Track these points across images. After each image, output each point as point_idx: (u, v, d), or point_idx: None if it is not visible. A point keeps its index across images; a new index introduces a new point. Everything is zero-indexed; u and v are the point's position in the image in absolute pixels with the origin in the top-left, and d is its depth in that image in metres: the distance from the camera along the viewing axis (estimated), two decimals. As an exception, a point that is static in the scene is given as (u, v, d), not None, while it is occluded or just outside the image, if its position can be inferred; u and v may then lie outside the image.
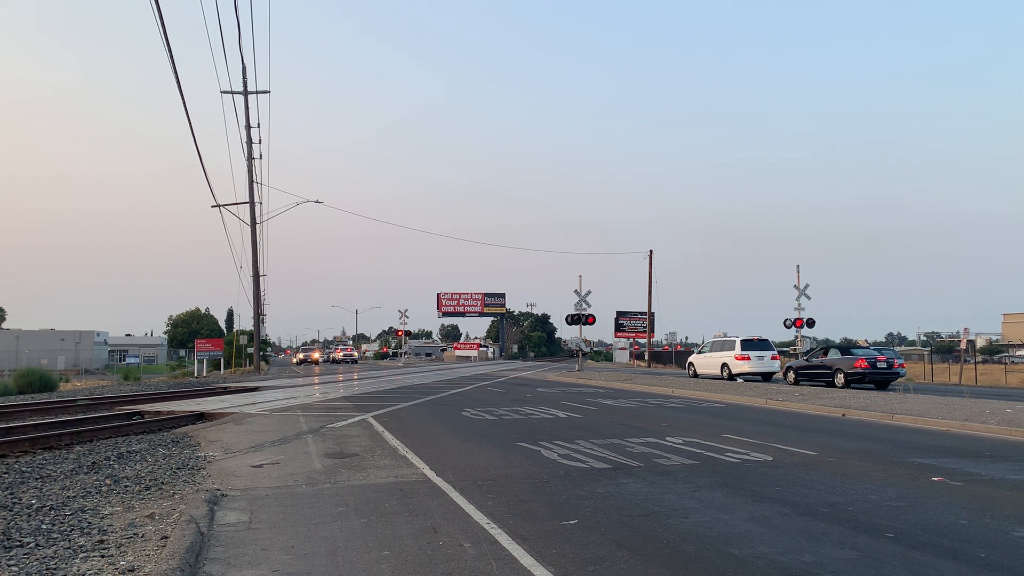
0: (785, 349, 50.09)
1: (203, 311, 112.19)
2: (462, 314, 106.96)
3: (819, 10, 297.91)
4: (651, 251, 63.52)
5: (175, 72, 17.01)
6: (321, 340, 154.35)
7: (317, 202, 46.93)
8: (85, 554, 5.49)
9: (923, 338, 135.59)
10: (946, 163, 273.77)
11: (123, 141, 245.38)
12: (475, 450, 10.76)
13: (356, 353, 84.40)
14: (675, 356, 65.33)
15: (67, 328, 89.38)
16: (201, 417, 16.35)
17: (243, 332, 56.86)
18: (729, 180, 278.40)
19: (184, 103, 20.20)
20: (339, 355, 77.39)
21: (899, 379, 25.83)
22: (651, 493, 7.59)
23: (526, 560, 5.30)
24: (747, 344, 29.44)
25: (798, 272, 39.41)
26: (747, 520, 6.45)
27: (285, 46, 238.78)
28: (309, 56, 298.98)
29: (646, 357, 68.61)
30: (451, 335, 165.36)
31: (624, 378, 32.56)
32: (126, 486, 8.22)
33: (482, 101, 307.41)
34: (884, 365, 24.41)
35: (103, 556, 5.44)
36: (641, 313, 72.64)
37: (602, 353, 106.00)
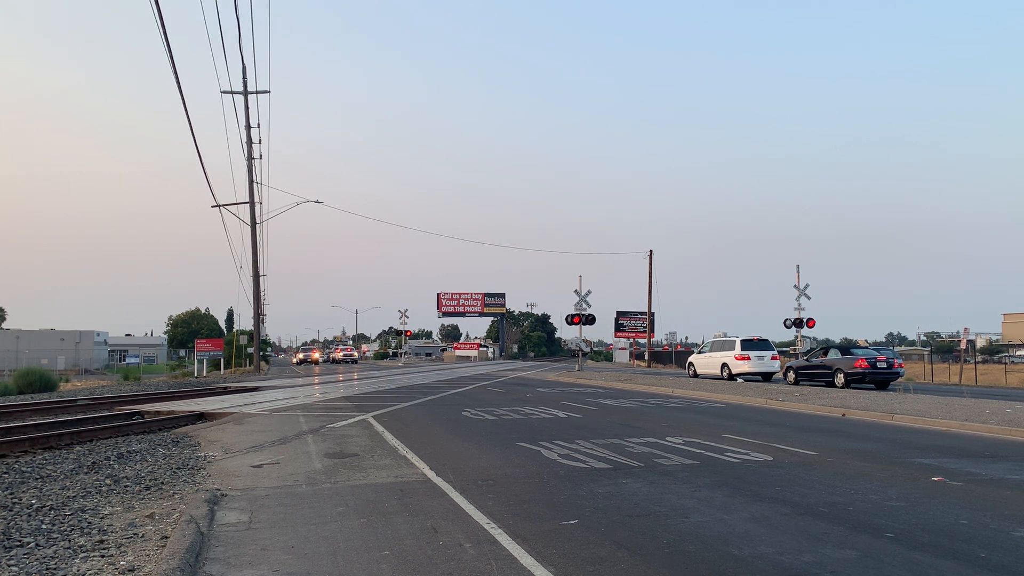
0: (785, 349, 50.12)
1: (203, 311, 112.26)
2: (462, 314, 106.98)
3: (819, 10, 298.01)
4: (651, 251, 63.57)
5: (175, 72, 17.02)
6: (321, 340, 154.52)
7: (317, 202, 47.01)
8: (85, 554, 5.49)
9: (923, 338, 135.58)
10: (946, 163, 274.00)
11: (123, 141, 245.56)
12: (475, 450, 10.76)
13: (356, 353, 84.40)
14: (675, 356, 65.35)
15: (67, 328, 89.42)
16: (201, 417, 16.35)
17: (243, 332, 56.86)
18: (729, 180, 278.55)
19: (184, 103, 20.22)
20: (339, 355, 77.42)
21: (898, 379, 25.85)
22: (651, 493, 7.59)
23: (526, 560, 5.30)
24: (747, 344, 29.47)
25: (798, 272, 39.41)
26: (747, 520, 6.45)
27: (285, 46, 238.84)
28: (309, 56, 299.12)
29: (646, 357, 68.62)
30: (451, 335, 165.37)
31: (624, 378, 32.56)
32: (126, 486, 8.22)
33: (482, 101, 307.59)
34: (884, 365, 24.42)
35: (103, 556, 5.44)
36: (641, 313, 72.64)
37: (602, 353, 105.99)
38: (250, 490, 7.95)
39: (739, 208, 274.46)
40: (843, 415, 16.17)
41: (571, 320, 40.61)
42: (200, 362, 47.23)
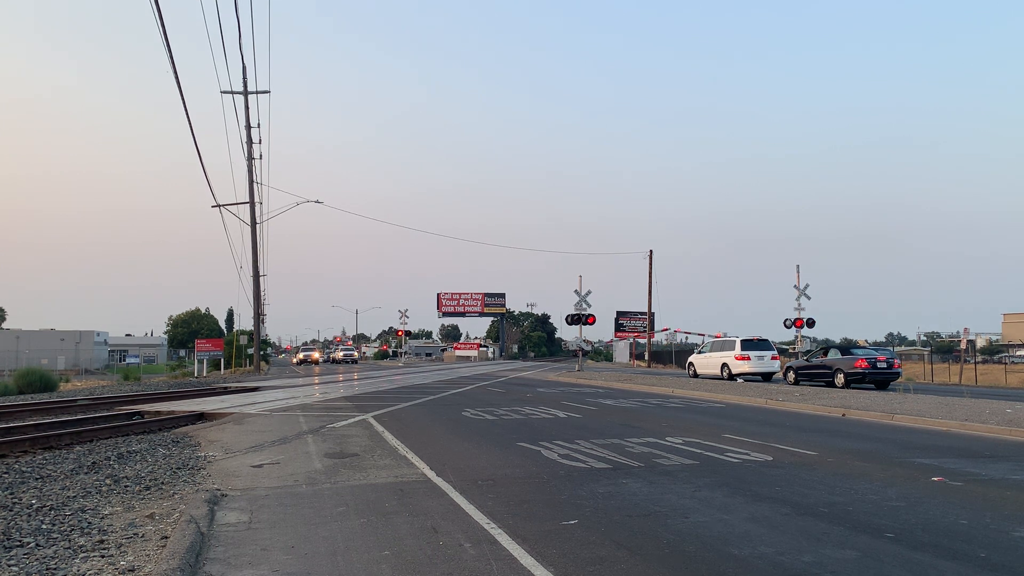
0: (785, 348, 50.14)
1: (203, 311, 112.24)
2: (462, 314, 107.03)
3: (819, 10, 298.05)
4: (651, 251, 63.60)
5: (175, 72, 17.02)
6: (321, 340, 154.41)
7: (317, 202, 47.03)
8: (85, 554, 5.49)
9: (923, 338, 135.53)
10: (946, 163, 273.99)
11: (123, 141, 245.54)
12: (475, 450, 10.76)
13: (356, 353, 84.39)
14: (675, 356, 65.35)
15: (67, 328, 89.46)
16: (201, 417, 16.35)
17: (243, 332, 56.87)
18: (729, 180, 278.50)
19: (184, 103, 20.23)
20: (339, 355, 77.40)
21: (897, 380, 25.88)
22: (651, 493, 7.59)
23: (526, 560, 5.30)
24: (747, 344, 29.53)
25: (798, 272, 39.45)
26: (747, 520, 6.45)
27: (285, 46, 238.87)
28: (309, 56, 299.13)
29: (646, 357, 68.65)
30: (451, 335, 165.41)
31: (624, 378, 32.57)
32: (126, 486, 8.22)
33: (482, 101, 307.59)
34: (884, 365, 24.44)
35: (103, 556, 5.44)
36: (641, 313, 72.71)
37: (602, 353, 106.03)
38: (250, 490, 7.95)
39: (739, 208, 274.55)
40: (843, 415, 16.18)
41: (571, 320, 40.61)
42: (200, 362, 47.24)
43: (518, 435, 12.30)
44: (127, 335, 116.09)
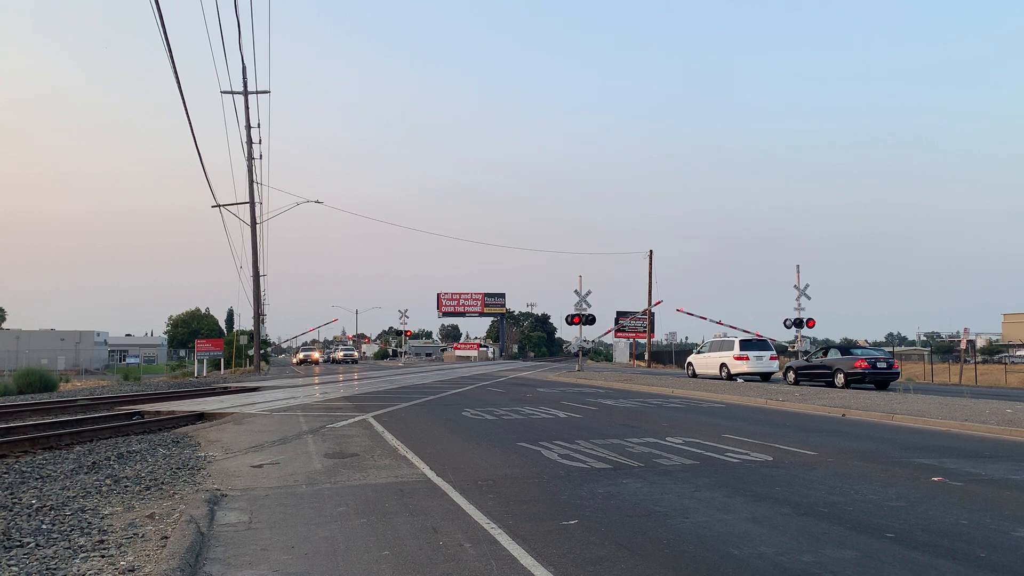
0: (785, 347, 50.15)
1: (203, 311, 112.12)
2: (462, 314, 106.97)
3: (820, 9, 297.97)
4: (651, 251, 63.63)
5: (175, 72, 17.02)
6: (321, 340, 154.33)
7: (317, 202, 47.06)
8: (85, 554, 5.49)
9: (923, 338, 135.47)
10: (946, 162, 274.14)
11: (123, 141, 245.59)
12: (475, 450, 10.76)
13: (356, 353, 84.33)
14: (675, 356, 65.34)
15: (67, 328, 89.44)
16: (201, 417, 16.35)
17: (243, 332, 56.88)
18: (729, 180, 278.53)
19: (184, 103, 20.23)
20: (340, 355, 77.25)
21: (897, 379, 25.91)
22: (651, 493, 7.59)
23: (526, 560, 5.30)
24: (746, 344, 29.62)
25: (798, 272, 39.41)
26: (747, 520, 6.45)
27: (285, 46, 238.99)
28: (309, 56, 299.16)
29: (646, 357, 68.63)
30: (451, 335, 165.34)
31: (624, 378, 32.57)
32: (126, 486, 8.22)
33: (480, 100, 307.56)
34: (884, 365, 24.45)
35: (103, 556, 5.44)
36: (641, 313, 72.59)
37: (602, 353, 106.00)
38: (250, 490, 7.95)
39: (739, 208, 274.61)
40: (843, 415, 16.17)
41: (571, 320, 40.60)
42: (200, 362, 47.24)
43: (518, 435, 12.29)
44: (127, 335, 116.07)
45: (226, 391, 25.41)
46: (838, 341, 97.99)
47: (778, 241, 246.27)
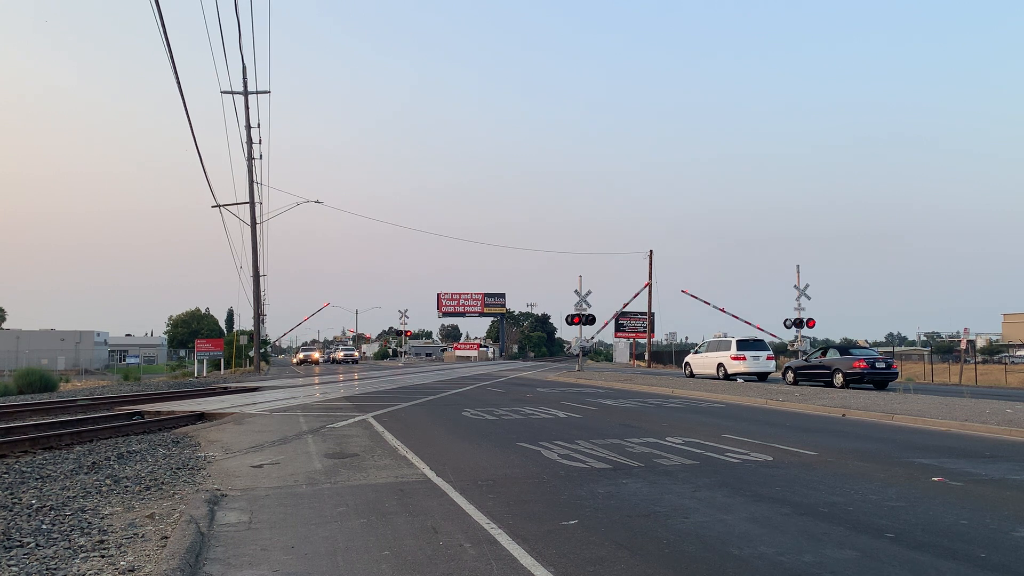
0: (785, 347, 50.17)
1: (203, 311, 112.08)
2: (462, 314, 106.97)
3: (820, 8, 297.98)
4: (651, 251, 63.68)
5: (175, 72, 17.02)
6: (321, 340, 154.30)
7: (317, 202, 47.10)
8: (85, 554, 5.49)
9: (923, 338, 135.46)
10: (947, 162, 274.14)
11: (123, 141, 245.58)
12: (475, 450, 10.76)
13: (357, 353, 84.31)
14: (675, 356, 65.34)
15: (67, 328, 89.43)
16: (201, 417, 16.35)
17: (243, 332, 56.87)
18: (729, 180, 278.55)
19: (184, 103, 20.23)
20: (340, 355, 77.22)
21: (895, 380, 25.97)
22: (651, 493, 7.59)
23: (526, 560, 5.29)
24: (743, 344, 29.78)
25: (798, 272, 39.44)
26: (747, 520, 6.44)
27: (286, 46, 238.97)
28: (309, 56, 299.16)
29: (646, 357, 68.63)
30: (451, 335, 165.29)
31: (624, 378, 32.57)
32: (126, 486, 8.22)
33: (480, 99, 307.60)
34: (883, 365, 24.52)
35: (103, 556, 5.44)
36: (641, 313, 72.60)
37: (602, 353, 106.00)
38: (250, 490, 7.94)
39: (739, 208, 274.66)
40: (843, 415, 16.17)
41: (571, 320, 40.60)
42: (200, 362, 47.24)
43: (518, 435, 12.29)
44: (127, 335, 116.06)
45: (226, 391, 25.41)
46: (838, 341, 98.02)
47: (778, 241, 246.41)
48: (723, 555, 5.40)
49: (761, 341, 30.45)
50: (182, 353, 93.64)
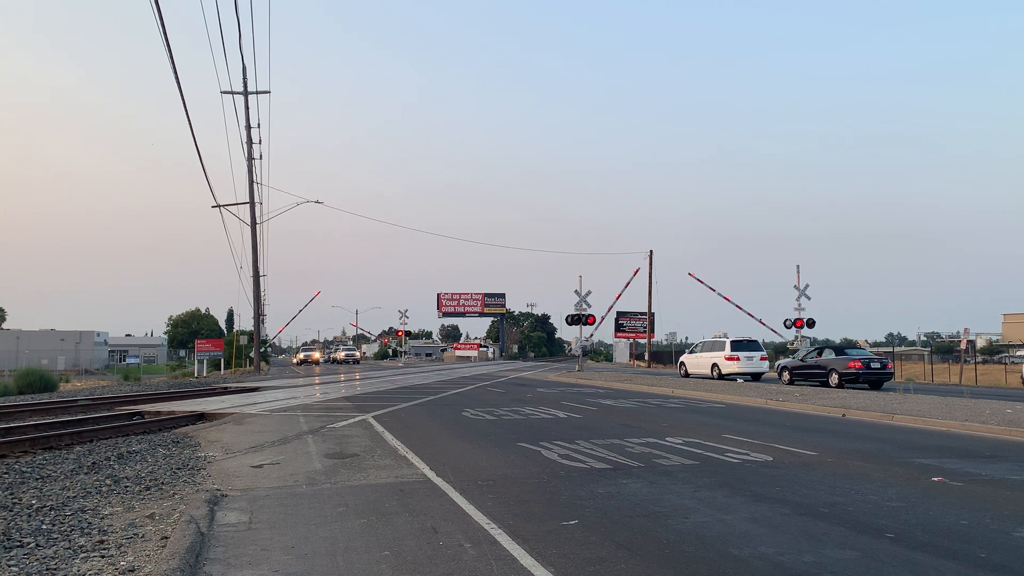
0: (785, 347, 50.22)
1: (203, 311, 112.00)
2: (462, 314, 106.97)
3: (820, 8, 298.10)
4: (651, 251, 63.67)
5: (175, 72, 17.02)
6: (321, 340, 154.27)
7: (317, 202, 47.11)
8: (85, 554, 5.49)
9: (923, 338, 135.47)
10: (947, 162, 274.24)
11: (123, 141, 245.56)
12: (475, 450, 10.76)
13: (358, 353, 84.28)
14: (675, 356, 65.30)
15: (67, 328, 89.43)
16: (201, 417, 16.35)
17: (243, 332, 56.88)
18: (729, 180, 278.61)
19: (184, 103, 20.24)
20: (342, 355, 77.11)
21: (890, 380, 26.18)
22: (651, 493, 7.59)
23: (526, 560, 5.30)
24: (736, 345, 30.26)
25: (798, 272, 39.46)
26: (747, 520, 6.44)
27: (286, 46, 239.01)
28: (309, 57, 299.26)
29: (646, 357, 68.62)
30: (451, 335, 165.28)
31: (624, 378, 32.58)
32: (126, 486, 8.22)
33: (480, 100, 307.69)
34: (878, 366, 24.82)
35: (103, 556, 5.44)
36: (641, 313, 72.57)
37: (602, 353, 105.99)
38: (250, 490, 7.95)
39: (739, 208, 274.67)
40: (843, 415, 16.17)
41: (571, 320, 40.60)
42: (200, 362, 47.24)
43: (518, 435, 12.29)
44: (127, 335, 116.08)
45: (226, 391, 25.40)
46: (839, 341, 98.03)
47: (778, 241, 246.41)
48: (723, 555, 5.40)
49: (755, 342, 30.94)
50: (182, 353, 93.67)
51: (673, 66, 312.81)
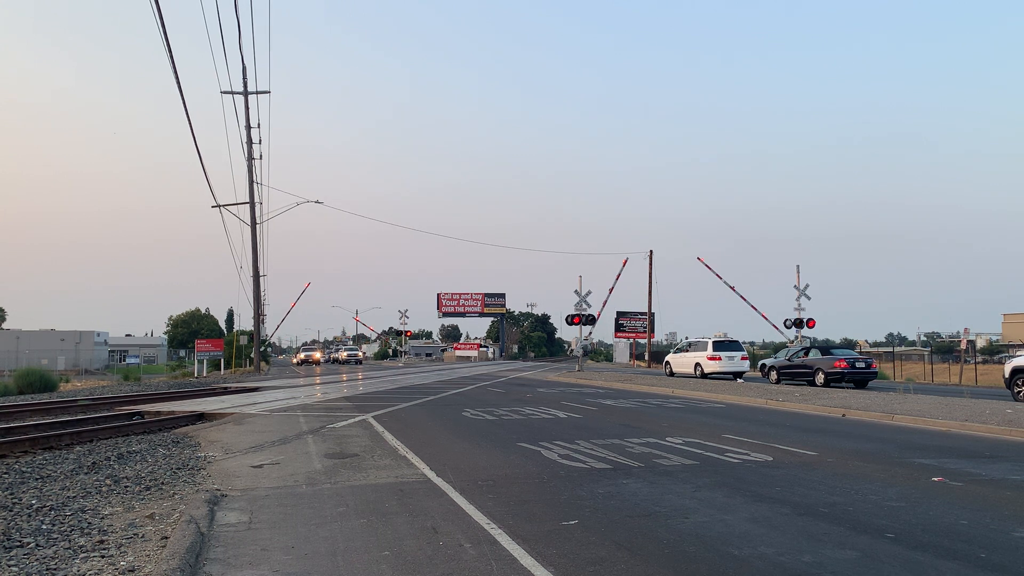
0: (786, 344, 50.27)
1: (203, 311, 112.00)
2: (462, 314, 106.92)
3: (820, 9, 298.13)
4: (651, 251, 63.68)
5: (175, 72, 17.02)
6: (321, 340, 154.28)
7: (317, 202, 47.09)
8: (85, 554, 5.49)
9: (923, 338, 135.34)
10: (946, 162, 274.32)
11: (123, 141, 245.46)
12: (475, 450, 10.76)
13: (360, 353, 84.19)
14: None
15: (67, 328, 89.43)
16: (201, 417, 16.35)
17: (243, 332, 56.88)
18: (729, 180, 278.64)
19: (184, 103, 20.24)
20: (344, 355, 76.88)
21: (875, 379, 27.12)
22: (651, 493, 7.59)
23: (526, 560, 5.30)
24: (718, 345, 31.36)
25: (798, 272, 39.46)
26: (747, 520, 6.44)
27: (286, 46, 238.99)
28: (309, 57, 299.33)
29: (646, 357, 68.61)
30: (451, 335, 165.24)
31: (624, 378, 32.59)
32: (126, 486, 8.22)
33: (480, 99, 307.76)
34: (863, 365, 25.41)
35: (103, 556, 5.44)
36: (641, 313, 72.54)
37: (602, 353, 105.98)
38: (250, 490, 7.95)
39: (739, 208, 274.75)
40: (843, 415, 16.17)
41: (571, 320, 40.60)
42: (200, 362, 47.23)
43: (518, 435, 12.29)
44: (127, 335, 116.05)
45: (226, 391, 25.40)
46: (838, 341, 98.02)
47: (778, 241, 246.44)
48: (723, 555, 5.40)
49: (736, 342, 32.14)
50: (182, 353, 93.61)
51: (673, 67, 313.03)
